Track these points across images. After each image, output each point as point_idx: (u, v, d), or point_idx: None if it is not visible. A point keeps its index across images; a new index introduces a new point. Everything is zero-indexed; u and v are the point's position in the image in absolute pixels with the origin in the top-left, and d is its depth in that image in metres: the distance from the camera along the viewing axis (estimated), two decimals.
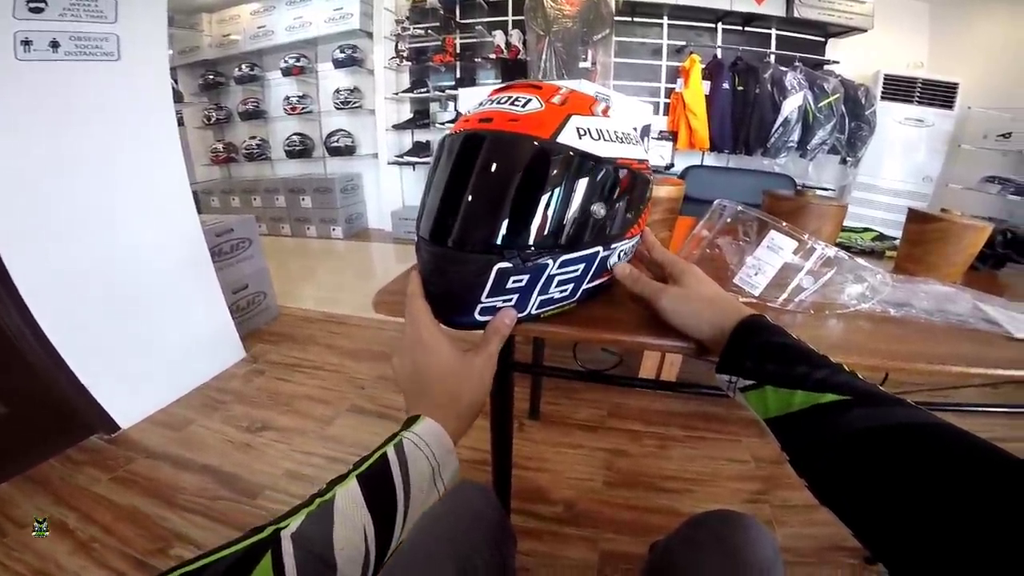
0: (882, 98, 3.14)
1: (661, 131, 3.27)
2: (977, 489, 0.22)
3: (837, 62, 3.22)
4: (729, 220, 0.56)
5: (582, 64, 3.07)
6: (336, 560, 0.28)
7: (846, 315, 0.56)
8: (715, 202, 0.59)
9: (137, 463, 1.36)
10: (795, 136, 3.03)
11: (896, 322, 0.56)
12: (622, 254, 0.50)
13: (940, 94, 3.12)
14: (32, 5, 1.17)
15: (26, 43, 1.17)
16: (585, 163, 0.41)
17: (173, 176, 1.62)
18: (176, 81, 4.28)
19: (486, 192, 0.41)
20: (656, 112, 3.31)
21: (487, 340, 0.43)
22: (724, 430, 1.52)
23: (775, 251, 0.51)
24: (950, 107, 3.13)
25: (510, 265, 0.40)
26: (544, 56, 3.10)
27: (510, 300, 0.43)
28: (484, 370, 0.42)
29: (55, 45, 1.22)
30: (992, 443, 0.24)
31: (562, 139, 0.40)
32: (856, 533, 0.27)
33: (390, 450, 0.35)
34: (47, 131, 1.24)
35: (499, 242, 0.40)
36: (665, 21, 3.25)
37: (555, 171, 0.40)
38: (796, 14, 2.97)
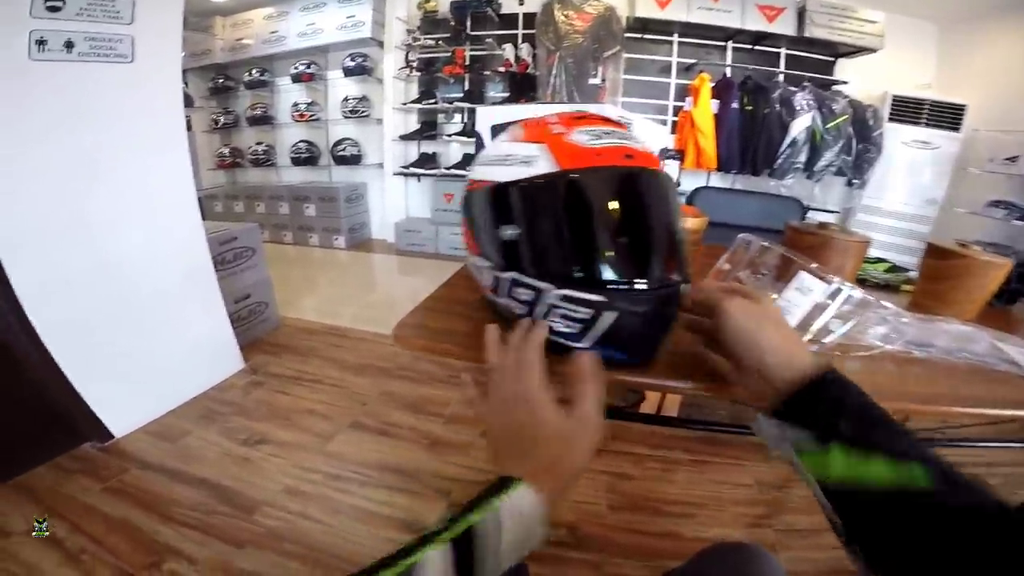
0: (890, 119, 3.12)
1: (669, 150, 3.26)
2: None
3: (846, 82, 3.22)
4: (753, 255, 0.55)
5: (592, 80, 3.07)
6: None
7: (871, 356, 0.55)
8: (739, 236, 0.58)
9: (130, 474, 1.33)
10: (802, 157, 3.02)
11: (919, 363, 0.56)
12: None
13: (948, 116, 3.09)
14: (49, 4, 1.16)
15: (41, 43, 1.17)
16: None
17: (180, 182, 1.61)
18: (186, 84, 4.28)
19: (677, 226, 0.46)
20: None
21: (583, 397, 0.39)
22: (727, 454, 1.50)
23: (804, 293, 0.49)
24: (957, 129, 3.10)
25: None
26: (554, 72, 3.10)
27: None
28: (595, 434, 0.39)
29: (70, 45, 1.21)
30: None
31: None
32: None
33: (488, 517, 0.33)
34: (55, 133, 1.24)
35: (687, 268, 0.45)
36: (675, 39, 3.26)
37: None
38: (807, 33, 2.97)
